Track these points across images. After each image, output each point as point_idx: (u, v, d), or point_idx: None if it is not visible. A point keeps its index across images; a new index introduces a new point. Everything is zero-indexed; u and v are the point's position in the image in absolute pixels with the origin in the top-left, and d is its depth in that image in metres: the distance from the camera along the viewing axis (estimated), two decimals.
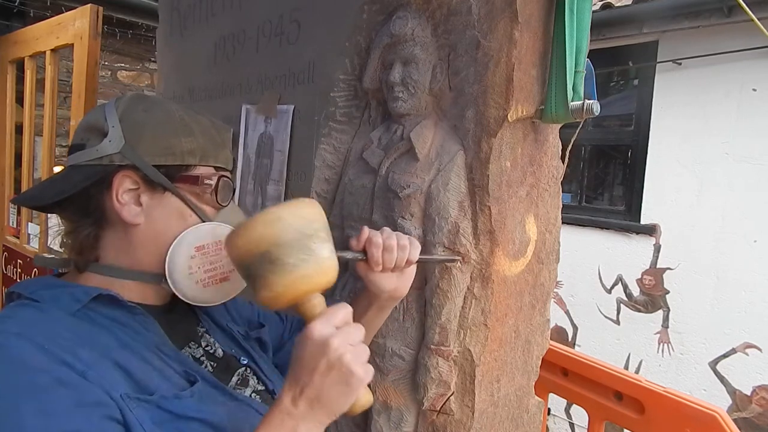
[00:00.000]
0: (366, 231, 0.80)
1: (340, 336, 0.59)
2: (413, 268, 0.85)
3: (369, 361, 0.61)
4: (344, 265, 1.19)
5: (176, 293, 0.70)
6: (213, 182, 0.73)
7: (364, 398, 0.62)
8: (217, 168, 0.75)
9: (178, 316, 0.76)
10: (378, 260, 0.78)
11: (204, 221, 0.72)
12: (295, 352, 0.61)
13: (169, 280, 0.69)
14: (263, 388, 0.79)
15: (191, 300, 0.71)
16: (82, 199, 0.68)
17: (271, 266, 0.60)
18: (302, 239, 0.62)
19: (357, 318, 0.82)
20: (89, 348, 0.60)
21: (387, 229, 0.82)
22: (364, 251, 0.79)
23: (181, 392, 0.64)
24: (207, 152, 0.73)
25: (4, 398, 0.53)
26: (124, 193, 0.67)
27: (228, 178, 0.76)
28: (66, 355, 0.57)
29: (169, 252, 0.69)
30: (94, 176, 0.67)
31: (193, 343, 0.76)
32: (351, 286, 1.12)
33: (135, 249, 0.69)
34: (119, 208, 0.67)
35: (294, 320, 1.00)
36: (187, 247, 0.69)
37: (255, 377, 0.79)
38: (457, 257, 0.97)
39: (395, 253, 0.79)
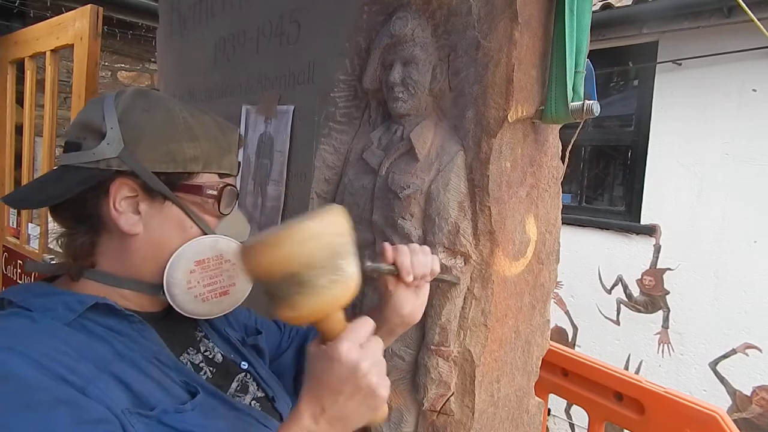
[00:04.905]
0: (389, 246, 0.78)
1: (368, 358, 0.57)
2: (427, 289, 0.84)
3: None
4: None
5: (174, 306, 0.68)
6: (216, 192, 0.70)
7: (383, 412, 0.62)
8: (221, 174, 0.72)
9: (175, 321, 0.73)
10: (409, 268, 0.76)
11: (205, 233, 0.69)
12: (314, 367, 0.59)
13: (166, 294, 0.67)
14: (263, 395, 0.78)
15: (189, 313, 0.69)
16: (77, 204, 0.65)
17: (298, 288, 0.56)
18: (333, 258, 0.58)
19: None
20: (87, 361, 0.57)
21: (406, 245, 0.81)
22: (394, 264, 0.78)
23: (182, 406, 0.62)
24: (211, 158, 0.69)
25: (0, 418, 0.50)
26: (121, 201, 0.64)
27: (232, 185, 0.73)
28: (64, 371, 0.55)
29: (168, 265, 0.66)
30: (91, 181, 0.63)
31: (191, 348, 0.74)
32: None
33: (132, 259, 0.67)
34: (116, 216, 0.64)
35: (292, 329, 0.98)
36: (186, 261, 0.67)
37: (255, 383, 0.78)
38: (457, 281, 0.97)
39: (420, 257, 0.78)
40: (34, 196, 0.67)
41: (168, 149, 0.66)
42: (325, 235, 0.57)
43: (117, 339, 0.63)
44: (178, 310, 0.69)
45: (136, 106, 0.67)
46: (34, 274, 2.54)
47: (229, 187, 0.72)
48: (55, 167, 0.69)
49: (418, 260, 0.77)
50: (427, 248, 0.81)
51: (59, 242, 0.68)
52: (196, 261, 0.68)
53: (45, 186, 0.67)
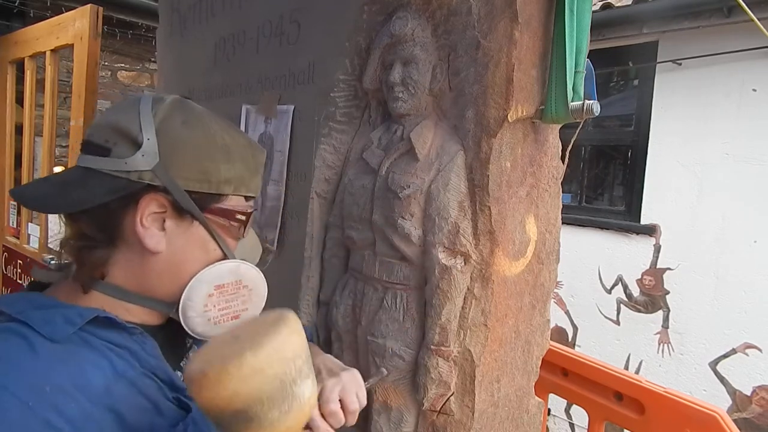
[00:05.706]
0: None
1: None
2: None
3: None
4: (344, 265, 1.19)
5: (185, 328, 0.66)
6: (245, 218, 0.69)
7: None
8: (246, 198, 0.71)
9: (172, 332, 0.71)
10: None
11: (227, 256, 0.68)
12: None
13: (180, 315, 0.65)
14: None
15: (198, 336, 0.68)
16: (100, 212, 0.61)
17: (247, 423, 0.52)
18: (285, 387, 0.53)
19: None
20: (80, 394, 0.56)
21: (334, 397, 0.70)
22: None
23: (175, 429, 0.61)
24: (242, 181, 0.68)
25: None
26: (148, 216, 0.62)
27: (256, 209, 0.74)
28: (51, 415, 0.53)
29: (187, 288, 0.65)
30: (120, 191, 0.60)
31: (186, 359, 0.73)
32: (352, 286, 1.12)
33: (149, 276, 0.65)
34: (142, 232, 0.61)
35: None
36: (207, 285, 0.65)
37: None
38: (382, 373, 0.99)
39: (341, 419, 0.69)
40: (55, 199, 0.63)
41: (204, 169, 0.64)
42: (275, 366, 0.52)
43: (116, 353, 0.61)
44: (189, 332, 0.67)
45: (175, 118, 0.64)
46: None
47: (255, 212, 0.71)
48: (75, 166, 0.65)
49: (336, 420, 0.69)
50: (354, 400, 0.71)
51: (65, 247, 0.65)
52: (216, 285, 0.66)
53: (67, 189, 0.62)
